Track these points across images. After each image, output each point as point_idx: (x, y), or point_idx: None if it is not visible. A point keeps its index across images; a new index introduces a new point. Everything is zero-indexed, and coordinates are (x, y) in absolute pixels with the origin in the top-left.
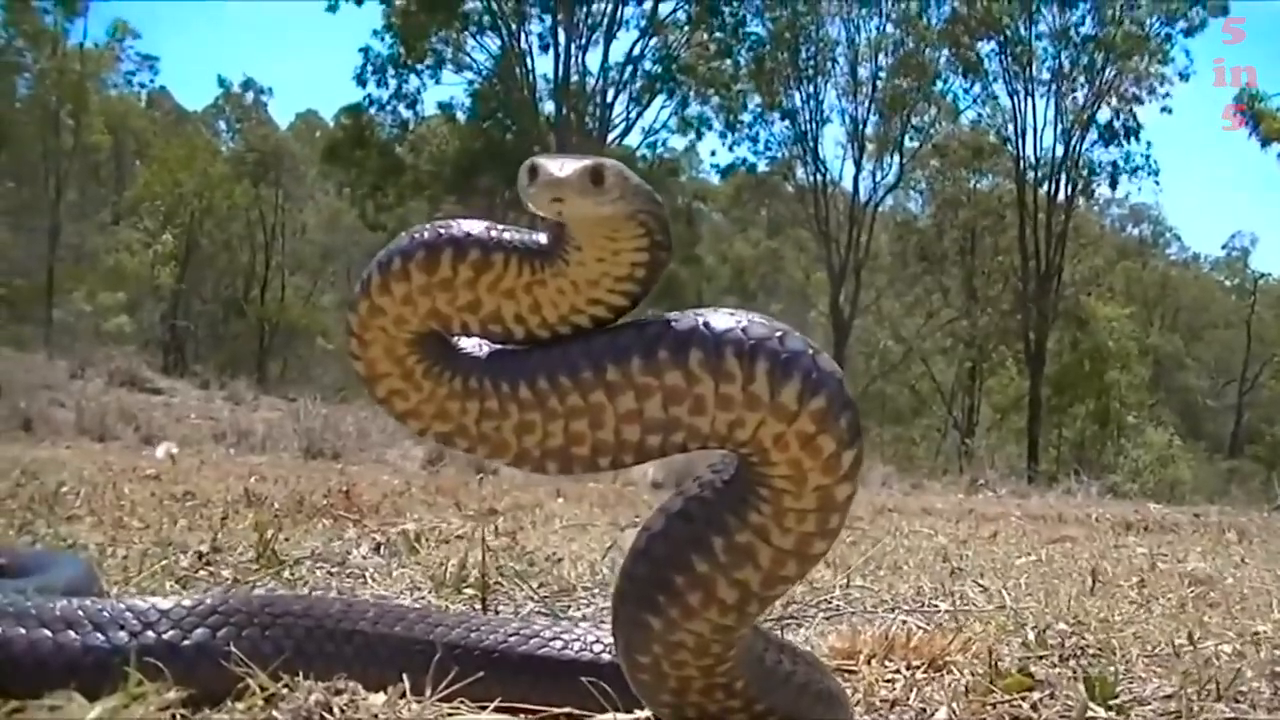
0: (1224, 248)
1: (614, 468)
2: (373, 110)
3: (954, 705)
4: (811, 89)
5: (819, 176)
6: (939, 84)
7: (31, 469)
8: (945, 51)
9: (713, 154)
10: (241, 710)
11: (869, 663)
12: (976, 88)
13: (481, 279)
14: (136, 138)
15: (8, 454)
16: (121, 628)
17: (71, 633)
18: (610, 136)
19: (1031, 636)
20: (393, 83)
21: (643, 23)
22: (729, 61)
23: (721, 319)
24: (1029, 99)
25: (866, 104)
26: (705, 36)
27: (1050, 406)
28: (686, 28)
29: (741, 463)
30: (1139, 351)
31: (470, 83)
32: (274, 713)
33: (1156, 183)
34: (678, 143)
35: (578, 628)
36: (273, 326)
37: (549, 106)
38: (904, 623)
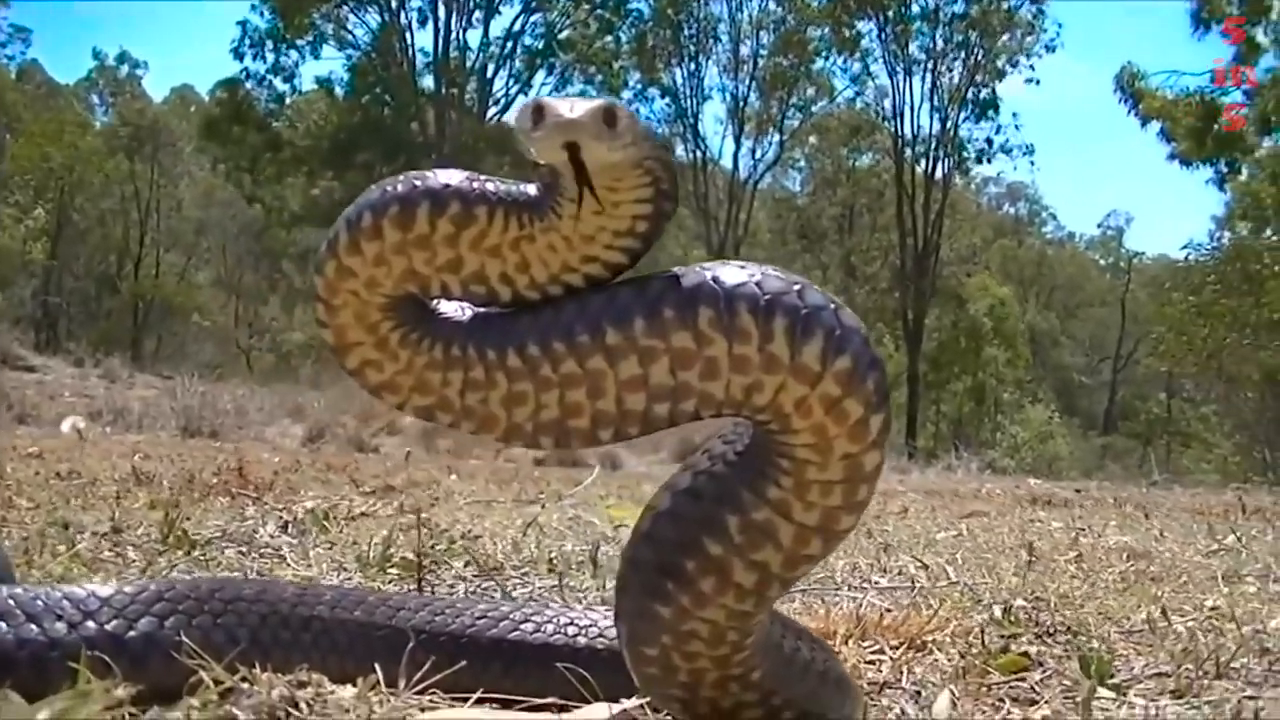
0: (1099, 226)
1: (616, 440)
2: (249, 84)
3: (952, 688)
4: (693, 66)
5: (699, 153)
6: (819, 62)
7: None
8: (826, 30)
9: None
10: (197, 707)
11: (846, 643)
12: (856, 66)
13: (463, 235)
14: (7, 111)
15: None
16: (59, 618)
17: (2, 624)
18: (490, 113)
19: (998, 613)
20: (270, 57)
21: None
22: (610, 38)
23: (732, 272)
24: (907, 77)
25: (748, 81)
26: (587, 13)
27: (928, 383)
28: (568, 4)
29: (757, 431)
30: (1017, 329)
31: (349, 58)
32: (233, 709)
33: (1031, 161)
34: None
35: (549, 609)
36: (147, 303)
37: (428, 82)
38: (866, 601)
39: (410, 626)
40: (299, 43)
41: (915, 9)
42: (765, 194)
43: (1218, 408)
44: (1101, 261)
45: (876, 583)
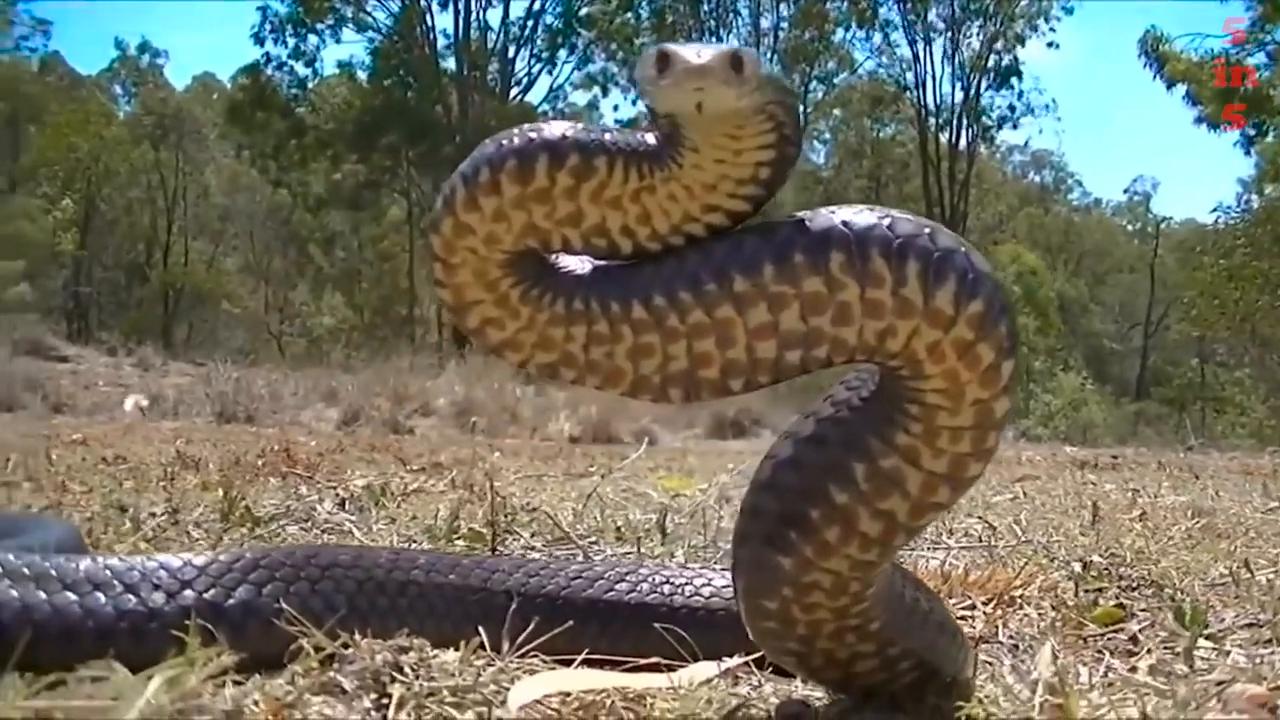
0: (1126, 192)
1: (747, 390)
2: (270, 69)
3: (1052, 641)
4: (714, 41)
5: None
6: (839, 33)
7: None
8: (844, 1)
9: (615, 109)
10: (300, 673)
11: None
12: (876, 38)
13: (583, 187)
14: (31, 103)
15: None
16: (156, 587)
17: (100, 595)
18: (513, 93)
19: (1078, 569)
20: (291, 41)
21: None
22: (630, 14)
23: (863, 215)
24: (927, 46)
25: (769, 55)
26: None
27: None
28: None
29: (886, 377)
30: (1047, 297)
31: (371, 41)
32: (337, 675)
33: (1058, 118)
34: (580, 98)
35: (643, 568)
36: (177, 291)
37: (450, 64)
38: (947, 560)
39: (506, 589)
40: (319, 26)
41: None
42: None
43: (1251, 371)
44: (1129, 228)
45: (948, 544)
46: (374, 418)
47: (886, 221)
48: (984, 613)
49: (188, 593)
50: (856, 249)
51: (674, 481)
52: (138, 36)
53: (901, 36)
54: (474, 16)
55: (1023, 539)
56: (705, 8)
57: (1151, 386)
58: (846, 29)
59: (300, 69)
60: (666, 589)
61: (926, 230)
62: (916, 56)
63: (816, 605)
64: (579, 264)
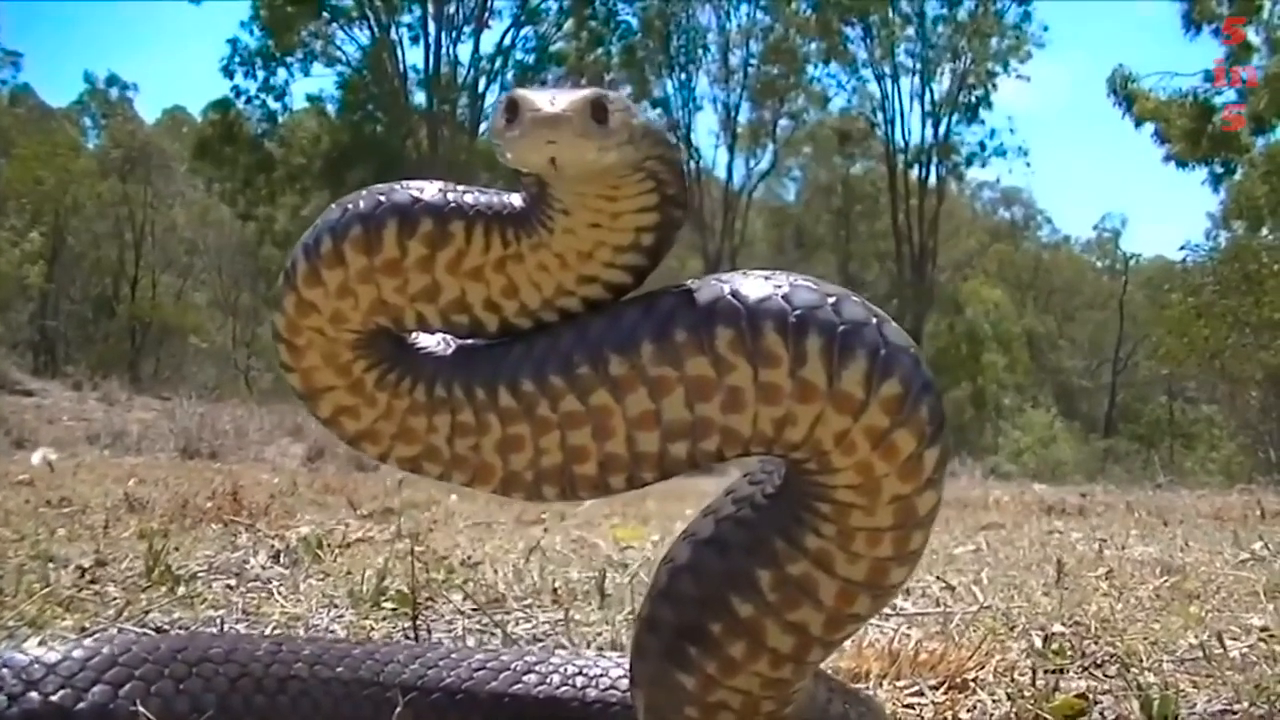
0: (1095, 229)
1: (630, 487)
2: (240, 103)
3: None
4: (683, 77)
5: (692, 164)
6: (809, 69)
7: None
8: (814, 42)
9: None
10: None
11: (882, 684)
12: (845, 75)
13: (439, 257)
14: (0, 135)
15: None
16: None
17: None
18: (482, 128)
19: (1038, 643)
20: (261, 74)
21: (515, 13)
22: (601, 50)
23: (754, 284)
24: (895, 84)
25: (739, 91)
26: (577, 25)
27: None
28: (559, 17)
29: (792, 471)
30: (1015, 334)
31: (340, 75)
32: None
33: (1027, 164)
34: None
35: (555, 656)
36: (144, 325)
37: (420, 98)
38: (896, 630)
39: (400, 682)
40: (289, 60)
41: (898, 15)
42: (760, 204)
43: (1221, 408)
44: (1099, 264)
45: (903, 609)
46: (339, 454)
47: (782, 291)
48: (933, 701)
49: (33, 694)
50: (747, 324)
51: (626, 531)
52: (106, 69)
53: (871, 73)
54: (444, 51)
55: (982, 604)
56: (675, 44)
57: (1120, 423)
58: (815, 66)
59: (271, 103)
60: (579, 680)
61: (831, 300)
62: (885, 94)
63: None
64: (440, 344)
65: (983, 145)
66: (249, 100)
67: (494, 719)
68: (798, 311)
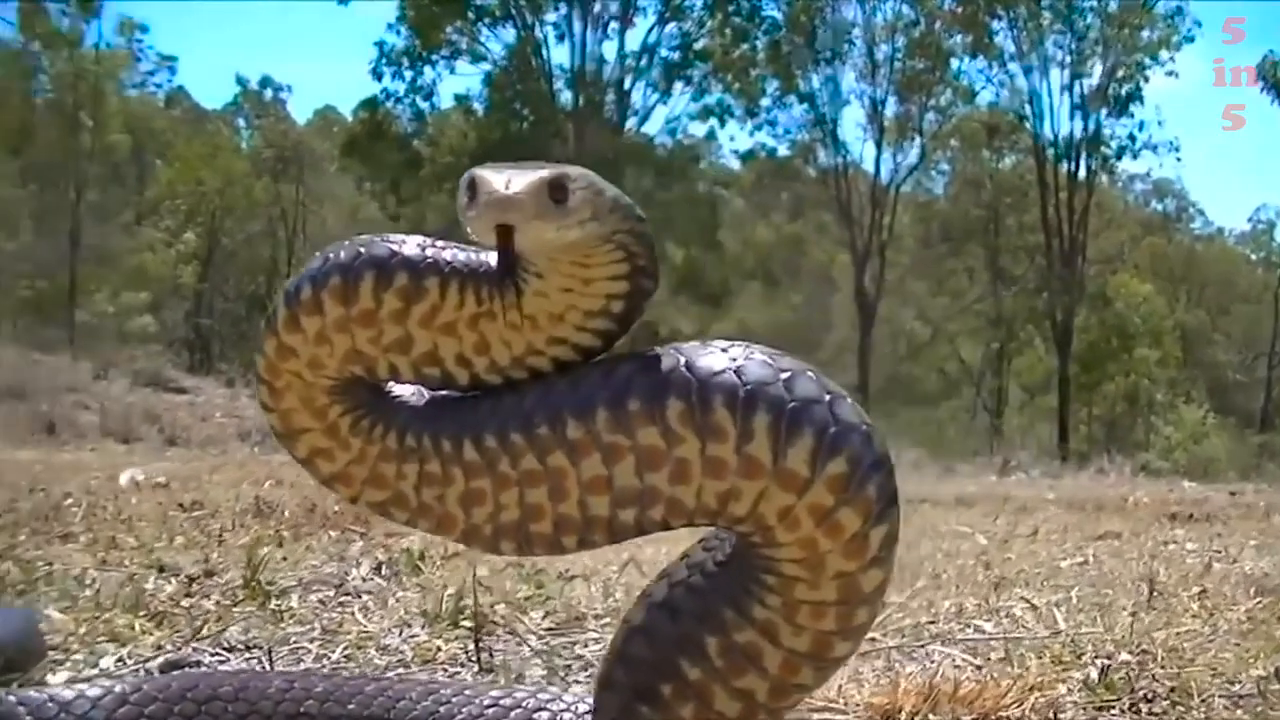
0: (1249, 220)
1: (583, 549)
2: (389, 104)
3: None
4: (829, 71)
5: (840, 159)
6: (953, 64)
7: (44, 477)
8: (959, 35)
9: (731, 139)
10: None
11: None
12: (993, 67)
13: (413, 311)
14: (156, 137)
15: (25, 459)
16: None
17: None
18: (629, 124)
19: (1094, 674)
20: (408, 75)
21: (660, 10)
22: (746, 46)
23: (710, 356)
24: (1043, 77)
25: (885, 86)
26: (721, 21)
27: (1079, 385)
28: (703, 13)
29: (740, 542)
30: (1167, 328)
31: (486, 74)
32: None
33: (1178, 158)
34: (697, 129)
35: (567, 695)
36: None
37: (566, 96)
38: (949, 658)
39: (410, 719)
40: (434, 59)
41: (1046, 8)
42: (908, 198)
43: None
44: (1253, 256)
45: (975, 631)
46: None
47: (736, 364)
48: None
49: None
50: (698, 397)
51: None
52: (258, 73)
53: (1018, 67)
54: (589, 48)
55: (1056, 628)
56: (820, 38)
57: (1277, 418)
58: (961, 59)
59: (419, 102)
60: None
61: (784, 375)
62: (1033, 87)
63: None
64: (413, 394)
65: (1132, 138)
66: (398, 101)
67: None
68: (748, 387)
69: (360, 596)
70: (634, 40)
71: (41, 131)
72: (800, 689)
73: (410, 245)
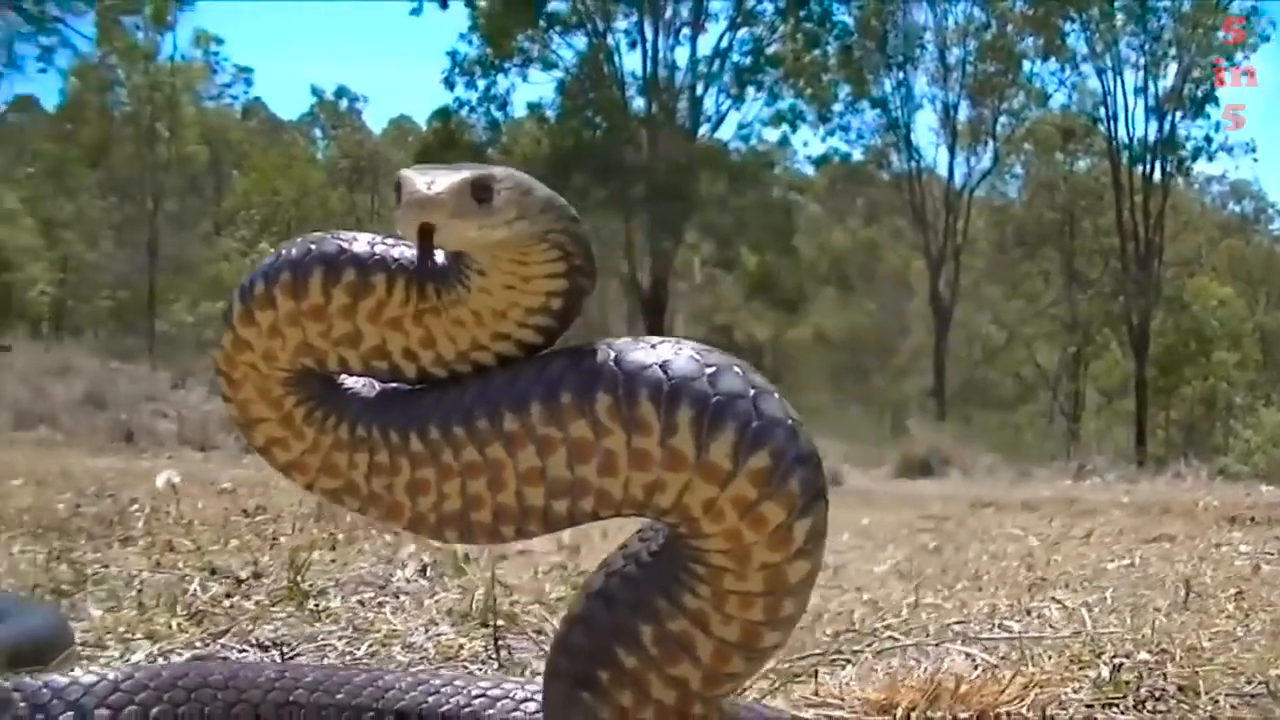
0: None
1: (519, 538)
2: (463, 112)
3: None
4: (901, 76)
5: (913, 164)
6: (1025, 67)
7: (114, 484)
8: (1031, 38)
9: (804, 145)
10: None
11: (909, 717)
12: (1065, 70)
13: (360, 306)
14: (233, 148)
15: (100, 466)
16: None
17: None
18: (701, 130)
19: (1105, 673)
20: (481, 84)
21: (731, 16)
22: (817, 51)
23: (638, 352)
24: (1117, 78)
25: (957, 89)
26: (793, 26)
27: (1156, 389)
28: (774, 18)
29: (670, 533)
30: (1246, 330)
31: (559, 82)
32: None
33: (1255, 159)
34: (770, 135)
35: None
36: None
37: (639, 103)
38: (966, 657)
39: (397, 709)
40: (507, 67)
41: (1119, 10)
42: (982, 202)
43: None
44: None
45: (1002, 630)
46: None
47: (663, 359)
48: None
49: (39, 718)
50: (624, 391)
51: None
52: (334, 83)
53: (1091, 68)
54: (661, 54)
55: (1077, 629)
56: (891, 43)
57: None
58: (1033, 62)
59: (492, 110)
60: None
61: (709, 370)
62: (1107, 89)
63: None
64: (364, 386)
65: (1208, 139)
66: (471, 110)
67: None
68: (673, 382)
69: (399, 597)
70: (705, 46)
71: (120, 144)
72: (732, 678)
73: (360, 243)
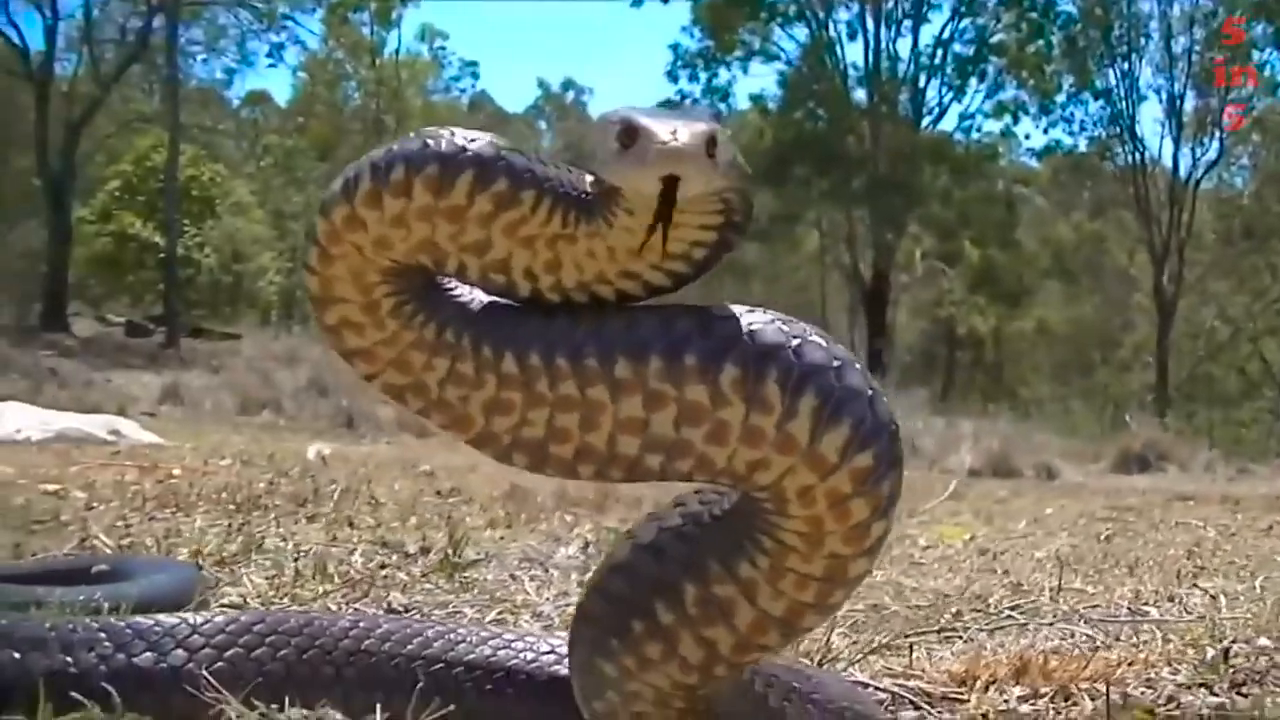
0: None
1: (595, 479)
2: (686, 104)
3: None
4: (1125, 66)
5: (1137, 155)
6: (1255, 56)
7: (317, 464)
8: (1262, 25)
9: (1027, 137)
10: None
11: (986, 689)
12: None
13: (500, 217)
14: None
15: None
16: (90, 649)
17: (38, 655)
18: (924, 122)
19: (1212, 655)
20: (703, 76)
21: (954, 5)
22: (1040, 41)
23: (771, 329)
24: None
25: (1183, 79)
26: (1017, 16)
27: None
28: (998, 7)
29: (745, 503)
30: None
31: (780, 73)
32: None
33: None
34: (992, 126)
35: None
36: None
37: (860, 94)
38: (1073, 636)
39: (466, 661)
40: (729, 59)
41: None
42: (1208, 194)
43: None
44: None
45: (1136, 615)
46: None
47: (795, 343)
48: (1013, 710)
49: (119, 656)
50: (754, 367)
51: (954, 531)
52: (562, 75)
53: None
54: (883, 46)
55: (1202, 614)
56: (1116, 32)
57: None
58: (1263, 50)
59: (715, 103)
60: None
61: (836, 364)
62: None
63: (643, 714)
64: (465, 292)
65: None
66: (694, 102)
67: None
68: (803, 368)
69: (550, 571)
70: (927, 36)
71: (348, 137)
72: (762, 649)
73: (516, 154)
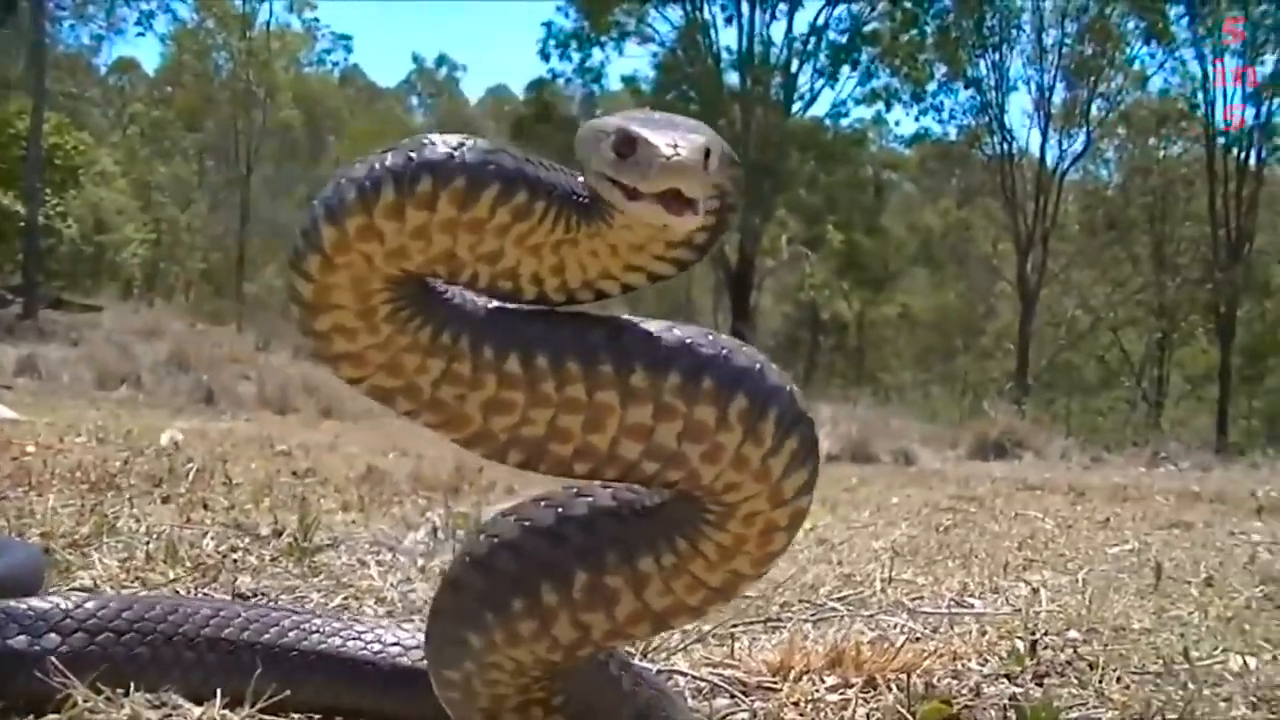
0: None
1: (587, 478)
2: (558, 84)
3: None
4: (996, 57)
5: (1006, 145)
6: (1125, 50)
7: (174, 443)
8: (1133, 20)
9: (896, 124)
10: None
11: (799, 679)
12: (1162, 55)
13: (515, 228)
14: (332, 115)
15: (166, 426)
16: None
17: None
18: (794, 108)
19: (1020, 647)
20: (576, 56)
21: None
22: (915, 32)
23: (775, 374)
24: (1217, 65)
25: (1053, 72)
26: (891, 5)
27: (1242, 378)
28: None
29: (678, 508)
30: None
31: (654, 55)
32: None
33: None
34: (863, 113)
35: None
36: None
37: (733, 78)
38: (894, 628)
39: (261, 642)
40: (603, 41)
41: None
42: (1074, 185)
43: None
44: None
45: (961, 606)
46: None
47: (789, 387)
48: (819, 700)
49: None
50: (760, 404)
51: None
52: (436, 50)
53: (1191, 54)
54: (758, 30)
55: (1018, 608)
56: (988, 23)
57: None
58: (1130, 45)
59: (587, 83)
60: (385, 642)
61: (808, 414)
62: (1206, 74)
63: (497, 682)
64: (460, 295)
65: None
66: (566, 82)
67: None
68: (793, 414)
69: (398, 557)
70: (802, 23)
71: (216, 108)
72: (629, 638)
73: (534, 165)
